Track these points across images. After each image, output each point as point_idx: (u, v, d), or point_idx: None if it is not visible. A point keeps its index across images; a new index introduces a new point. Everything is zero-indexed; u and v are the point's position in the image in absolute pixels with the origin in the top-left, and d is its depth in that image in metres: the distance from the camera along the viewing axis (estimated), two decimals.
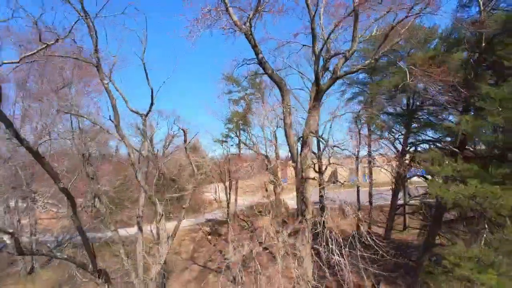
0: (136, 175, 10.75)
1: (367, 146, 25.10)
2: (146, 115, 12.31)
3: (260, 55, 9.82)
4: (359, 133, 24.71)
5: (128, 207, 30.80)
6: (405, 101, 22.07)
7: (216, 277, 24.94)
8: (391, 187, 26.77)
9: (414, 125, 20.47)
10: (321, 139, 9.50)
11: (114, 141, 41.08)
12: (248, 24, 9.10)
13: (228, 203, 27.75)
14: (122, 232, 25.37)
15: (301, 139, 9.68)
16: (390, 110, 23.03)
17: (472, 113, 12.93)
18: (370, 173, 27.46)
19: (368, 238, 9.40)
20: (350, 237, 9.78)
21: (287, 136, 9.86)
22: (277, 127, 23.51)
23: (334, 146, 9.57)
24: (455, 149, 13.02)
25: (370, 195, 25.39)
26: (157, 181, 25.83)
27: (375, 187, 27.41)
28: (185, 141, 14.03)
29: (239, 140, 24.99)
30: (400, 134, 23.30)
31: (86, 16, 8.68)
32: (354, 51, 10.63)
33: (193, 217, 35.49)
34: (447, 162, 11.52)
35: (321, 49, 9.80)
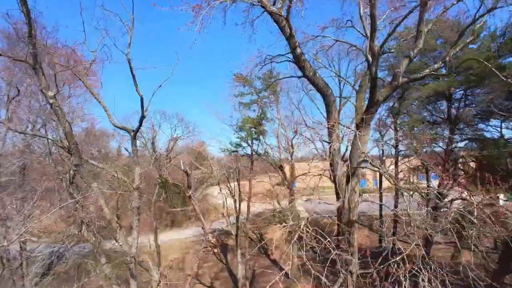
0: (116, 239, 8.06)
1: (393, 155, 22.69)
2: (136, 132, 9.49)
3: (298, 50, 7.18)
4: (383, 141, 22.20)
5: (127, 214, 28.53)
6: (442, 107, 19.40)
7: None
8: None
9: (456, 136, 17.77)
10: (379, 169, 6.92)
11: (116, 142, 37.92)
12: (282, 4, 6.47)
13: (237, 215, 25.21)
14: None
15: (349, 168, 7.06)
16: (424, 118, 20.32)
17: None
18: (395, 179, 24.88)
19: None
20: None
21: (333, 166, 7.27)
22: (294, 135, 21.00)
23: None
24: None
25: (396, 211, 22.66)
26: (158, 193, 23.44)
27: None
28: (189, 187, 11.18)
29: (252, 151, 22.27)
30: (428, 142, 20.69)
31: None
32: (420, 50, 8.05)
33: (197, 225, 33.03)
34: None
35: (382, 45, 7.18)
